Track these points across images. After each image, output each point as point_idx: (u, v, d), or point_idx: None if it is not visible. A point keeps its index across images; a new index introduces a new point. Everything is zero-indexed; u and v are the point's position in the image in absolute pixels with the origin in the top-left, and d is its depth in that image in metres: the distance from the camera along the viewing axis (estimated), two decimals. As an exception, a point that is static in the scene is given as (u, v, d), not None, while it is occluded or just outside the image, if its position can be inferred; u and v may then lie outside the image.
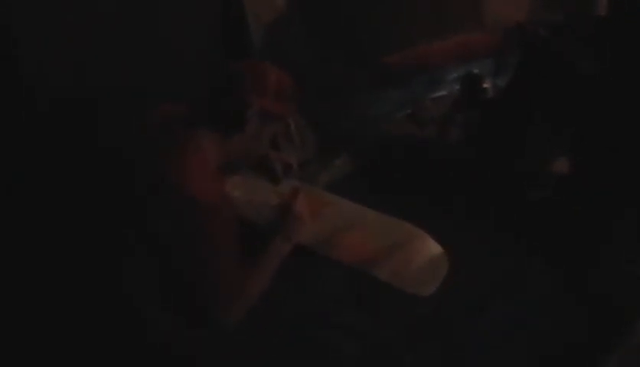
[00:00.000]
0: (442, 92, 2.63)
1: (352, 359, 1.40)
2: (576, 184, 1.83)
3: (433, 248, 1.49)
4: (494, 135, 2.16)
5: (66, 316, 1.53)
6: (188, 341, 1.29)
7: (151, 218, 1.22)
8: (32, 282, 1.66)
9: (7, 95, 1.74)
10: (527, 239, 1.74)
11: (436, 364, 1.45)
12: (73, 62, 1.81)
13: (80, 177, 1.77)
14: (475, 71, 2.47)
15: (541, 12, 2.54)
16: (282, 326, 1.39)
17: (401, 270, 1.42)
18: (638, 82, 1.64)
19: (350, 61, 2.43)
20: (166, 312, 1.27)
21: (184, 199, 1.15)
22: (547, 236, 1.75)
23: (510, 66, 2.39)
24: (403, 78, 2.61)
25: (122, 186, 1.31)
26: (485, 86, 2.30)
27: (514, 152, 2.04)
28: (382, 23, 2.44)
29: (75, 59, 1.81)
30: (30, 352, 1.54)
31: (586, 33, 1.96)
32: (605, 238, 1.70)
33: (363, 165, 2.08)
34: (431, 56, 2.64)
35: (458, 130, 2.31)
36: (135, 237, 1.25)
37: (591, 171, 1.78)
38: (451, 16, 2.57)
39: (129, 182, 1.28)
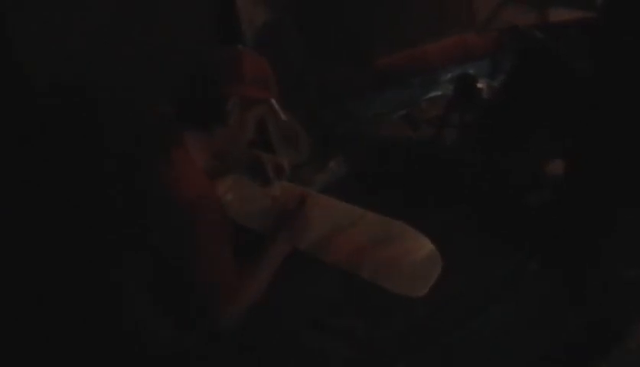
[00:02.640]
0: (438, 93, 2.64)
1: (347, 364, 1.40)
2: (573, 187, 1.82)
3: (425, 245, 1.43)
4: (490, 137, 2.16)
5: (60, 318, 1.53)
6: (184, 344, 1.27)
7: (144, 219, 1.21)
8: (27, 282, 1.65)
9: (3, 95, 1.73)
10: (525, 242, 1.74)
11: (433, 367, 1.45)
12: (70, 61, 1.81)
13: (72, 178, 1.76)
14: (470, 72, 2.48)
15: (537, 14, 2.54)
16: (278, 331, 1.37)
17: (392, 268, 1.38)
18: (633, 83, 1.63)
19: (345, 63, 2.43)
20: (162, 313, 1.26)
21: (173, 200, 1.14)
22: (545, 239, 1.74)
23: (505, 67, 2.40)
24: (399, 79, 2.61)
25: (115, 187, 1.30)
26: (480, 86, 2.29)
27: (510, 154, 2.04)
28: (377, 25, 2.43)
29: (71, 59, 1.81)
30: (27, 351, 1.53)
31: (581, 35, 1.96)
32: (602, 241, 1.69)
33: (358, 167, 2.07)
34: (427, 57, 2.64)
35: (453, 131, 2.31)
36: (130, 238, 1.24)
37: (589, 173, 1.77)
38: (446, 18, 2.57)
39: (122, 183, 1.27)
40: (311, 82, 2.31)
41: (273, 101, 1.32)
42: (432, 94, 2.65)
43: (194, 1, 2.04)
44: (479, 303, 1.56)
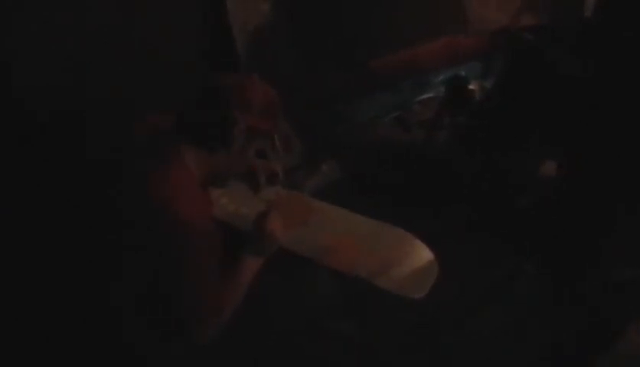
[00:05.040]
0: (430, 95, 2.64)
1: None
2: (572, 187, 1.82)
3: (423, 251, 1.46)
4: (484, 138, 2.16)
5: (57, 321, 1.52)
6: (178, 353, 1.26)
7: (135, 232, 1.20)
8: (25, 285, 1.64)
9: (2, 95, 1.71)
10: (523, 243, 1.74)
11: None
12: (63, 73, 1.79)
13: (65, 189, 1.75)
14: (462, 73, 2.48)
15: (527, 16, 2.55)
16: (273, 336, 1.36)
17: (390, 272, 1.39)
18: (630, 81, 1.63)
19: (337, 66, 2.43)
20: (149, 324, 1.25)
21: (166, 215, 1.12)
22: (539, 242, 1.74)
23: (497, 68, 2.41)
24: (391, 82, 2.60)
25: (108, 199, 1.28)
26: (471, 87, 2.29)
27: (506, 155, 2.04)
28: (369, 28, 2.43)
29: (65, 70, 1.79)
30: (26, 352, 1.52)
31: (572, 36, 1.97)
32: (602, 241, 1.70)
33: (350, 170, 2.07)
34: (418, 59, 2.64)
35: (445, 132, 2.31)
36: (119, 249, 1.24)
37: (587, 173, 1.77)
38: (437, 20, 2.57)
39: (115, 195, 1.26)
40: (304, 86, 2.30)
41: (276, 137, 1.32)
42: (424, 96, 2.65)
43: (184, 4, 2.02)
44: (479, 303, 1.56)
